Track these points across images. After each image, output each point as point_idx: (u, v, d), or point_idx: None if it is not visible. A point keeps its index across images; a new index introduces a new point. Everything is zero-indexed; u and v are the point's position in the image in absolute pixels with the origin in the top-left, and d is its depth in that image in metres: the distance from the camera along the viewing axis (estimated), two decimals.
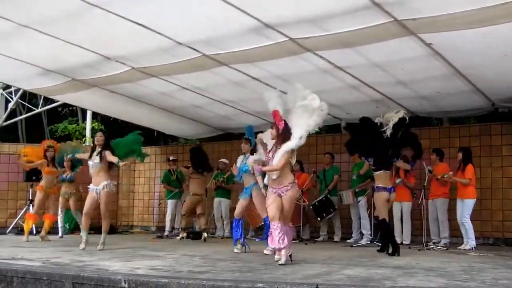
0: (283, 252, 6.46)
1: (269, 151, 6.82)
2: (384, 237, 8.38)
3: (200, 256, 7.31)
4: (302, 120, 6.59)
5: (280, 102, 6.91)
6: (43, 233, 10.36)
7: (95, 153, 8.49)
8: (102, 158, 8.37)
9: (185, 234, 11.17)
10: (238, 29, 7.43)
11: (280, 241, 6.42)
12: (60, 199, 11.20)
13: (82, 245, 8.34)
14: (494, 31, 6.66)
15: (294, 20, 7.00)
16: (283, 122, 6.69)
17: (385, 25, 6.78)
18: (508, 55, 7.49)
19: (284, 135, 6.62)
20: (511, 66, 7.96)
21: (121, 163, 8.33)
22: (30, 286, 5.43)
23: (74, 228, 13.13)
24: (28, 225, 10.46)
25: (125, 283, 4.88)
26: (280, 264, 6.33)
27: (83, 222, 8.59)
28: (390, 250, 7.94)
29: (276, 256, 6.75)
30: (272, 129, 6.79)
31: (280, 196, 6.59)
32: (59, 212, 11.33)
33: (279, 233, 6.41)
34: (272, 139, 6.81)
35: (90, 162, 8.46)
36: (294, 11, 6.82)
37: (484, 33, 6.74)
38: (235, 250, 8.17)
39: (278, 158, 6.54)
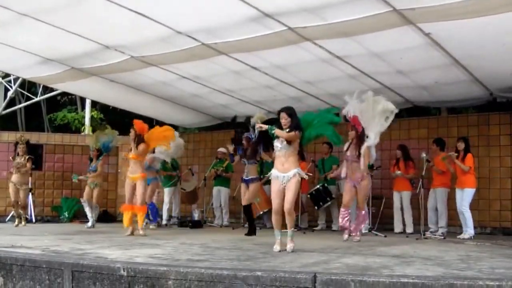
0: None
1: (346, 149, 8.20)
2: (251, 221, 9.55)
3: (199, 245, 7.34)
4: (375, 122, 7.96)
5: (356, 107, 7.98)
6: (141, 230, 9.06)
7: None
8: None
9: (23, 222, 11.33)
10: (237, 19, 7.42)
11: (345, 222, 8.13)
12: (87, 188, 11.13)
13: (277, 247, 6.63)
14: (492, 21, 6.66)
15: (293, 9, 6.99)
16: (361, 126, 7.97)
17: (384, 15, 6.78)
18: (506, 45, 7.50)
19: (362, 136, 8.00)
20: (509, 56, 7.97)
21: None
22: (29, 274, 5.44)
23: (73, 217, 13.21)
24: (139, 218, 9.13)
25: (124, 271, 4.90)
26: None
27: (275, 222, 6.69)
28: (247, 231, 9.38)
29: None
30: (352, 130, 8.15)
31: (355, 186, 8.11)
32: (82, 202, 11.30)
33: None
34: (350, 139, 8.18)
35: (277, 144, 6.75)
36: (293, 0, 6.81)
37: (483, 23, 6.74)
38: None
39: (363, 155, 7.96)
